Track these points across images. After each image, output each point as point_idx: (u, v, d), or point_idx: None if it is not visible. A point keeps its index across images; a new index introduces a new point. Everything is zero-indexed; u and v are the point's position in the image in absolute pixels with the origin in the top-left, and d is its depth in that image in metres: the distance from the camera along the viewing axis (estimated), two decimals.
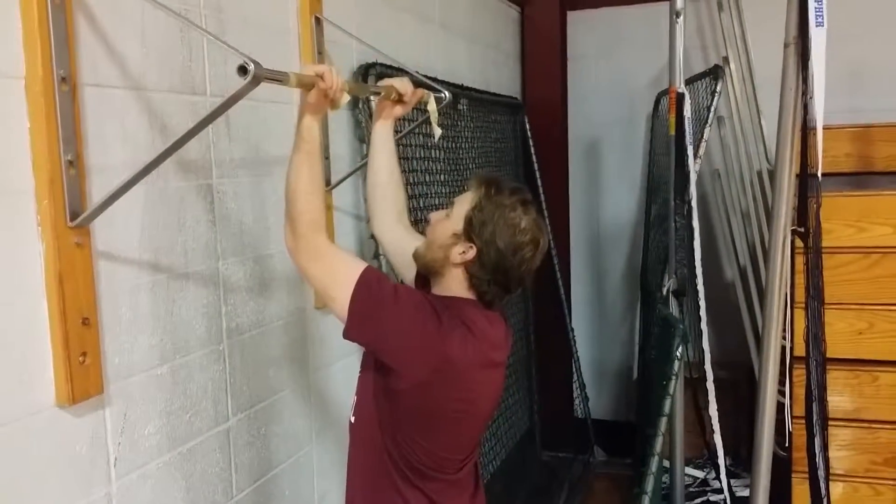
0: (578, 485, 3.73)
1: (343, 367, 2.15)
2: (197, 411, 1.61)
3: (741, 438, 3.50)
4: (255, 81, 1.17)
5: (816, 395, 2.25)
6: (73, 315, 1.27)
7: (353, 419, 1.52)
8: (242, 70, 1.16)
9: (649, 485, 2.59)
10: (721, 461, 2.80)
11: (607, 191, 4.14)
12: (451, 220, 1.47)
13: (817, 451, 2.31)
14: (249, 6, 1.76)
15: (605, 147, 4.12)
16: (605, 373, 4.21)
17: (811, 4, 1.85)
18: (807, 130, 1.99)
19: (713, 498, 3.38)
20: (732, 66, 3.22)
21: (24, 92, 1.21)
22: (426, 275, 1.54)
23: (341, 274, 1.37)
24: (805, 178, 2.03)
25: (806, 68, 1.92)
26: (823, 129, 3.15)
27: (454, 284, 1.47)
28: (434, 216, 1.54)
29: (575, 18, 4.04)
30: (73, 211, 1.27)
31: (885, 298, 2.77)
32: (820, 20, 1.87)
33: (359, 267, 1.38)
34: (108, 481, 1.38)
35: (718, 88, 2.87)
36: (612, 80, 3.99)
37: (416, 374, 1.37)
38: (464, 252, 1.44)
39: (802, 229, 2.03)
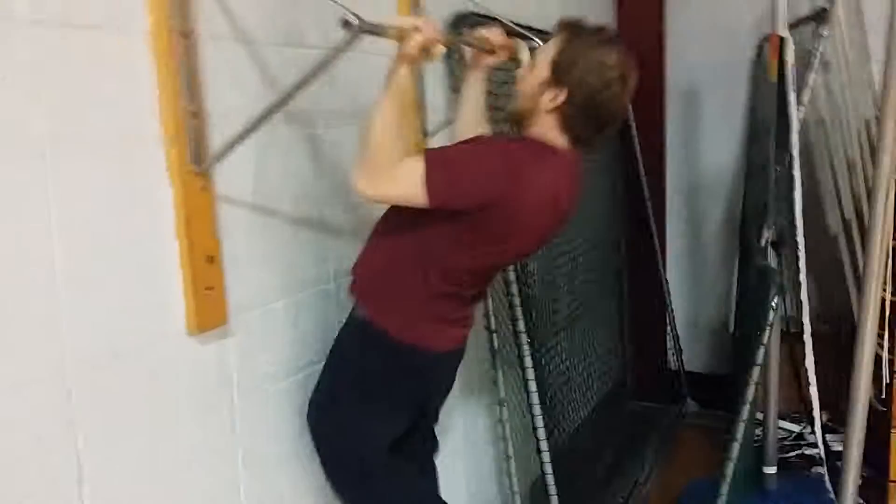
0: (669, 435, 3.74)
1: None
2: (307, 344, 1.74)
3: (841, 394, 3.42)
4: (357, 34, 1.23)
5: None
6: (199, 253, 1.41)
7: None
8: (346, 23, 1.23)
9: (739, 432, 2.60)
10: (816, 413, 2.77)
11: (706, 138, 4.04)
12: (536, 69, 1.53)
13: None
14: None
15: (704, 92, 4.01)
16: (701, 325, 4.16)
17: None
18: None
19: (808, 452, 3.34)
20: (840, 8, 3.06)
21: (149, 46, 1.33)
22: (519, 122, 1.60)
23: (413, 173, 1.43)
24: None
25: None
26: None
27: (548, 131, 1.54)
28: (518, 72, 1.60)
29: None
30: (196, 158, 1.39)
31: None
32: None
33: (419, 159, 1.44)
34: (231, 403, 1.53)
35: (824, 33, 2.74)
36: (713, 21, 3.85)
37: (497, 198, 1.46)
38: (554, 97, 1.50)
39: None
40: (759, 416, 3.12)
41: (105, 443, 1.27)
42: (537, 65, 1.53)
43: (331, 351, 1.71)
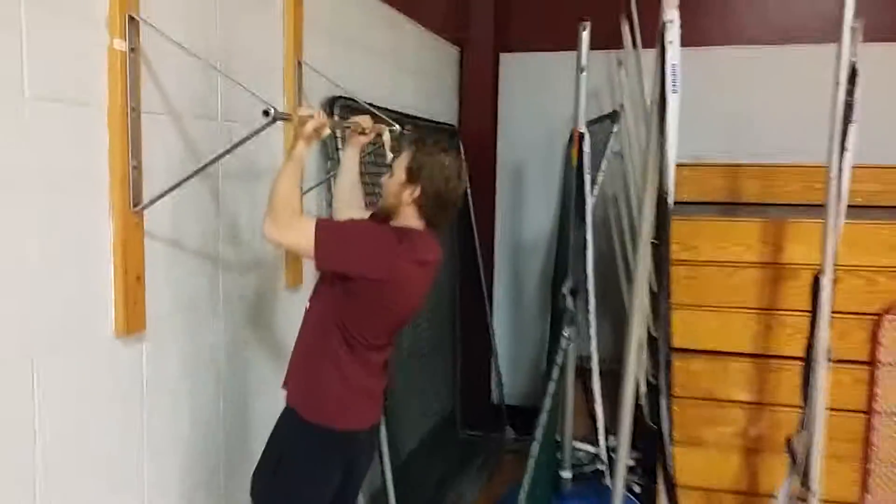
0: (490, 459, 4.34)
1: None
2: (199, 354, 2.16)
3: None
4: (274, 120, 1.74)
5: (664, 368, 2.92)
6: (130, 273, 1.82)
7: (307, 305, 2.10)
8: (265, 112, 1.73)
9: (535, 448, 3.22)
10: (600, 426, 3.45)
11: (528, 208, 4.79)
12: (395, 176, 2.06)
13: (663, 418, 2.99)
14: (251, 52, 2.33)
15: (528, 170, 4.78)
16: (520, 364, 4.84)
17: (668, 76, 2.52)
18: (663, 174, 2.64)
19: (601, 467, 4.03)
20: (628, 110, 3.90)
21: (106, 117, 1.76)
22: (385, 218, 2.11)
23: (306, 230, 1.91)
24: (661, 204, 2.68)
25: (664, 122, 2.58)
26: (701, 164, 3.91)
27: (409, 219, 2.06)
28: (384, 180, 2.13)
29: (506, 60, 4.71)
30: (135, 200, 1.82)
31: (736, 302, 3.48)
32: (675, 87, 2.53)
33: (313, 220, 1.94)
34: (141, 393, 1.93)
35: (615, 129, 3.54)
36: (535, 114, 4.65)
37: (374, 272, 1.94)
38: (411, 192, 2.04)
39: (657, 241, 2.69)
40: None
41: (46, 412, 1.65)
42: (395, 172, 2.06)
43: (272, 434, 2.12)
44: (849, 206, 3.54)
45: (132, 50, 1.79)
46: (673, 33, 2.46)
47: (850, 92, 2.68)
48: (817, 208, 3.05)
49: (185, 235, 2.06)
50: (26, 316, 1.58)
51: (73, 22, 1.65)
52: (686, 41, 4.30)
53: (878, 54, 4.14)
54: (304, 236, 1.90)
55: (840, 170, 2.74)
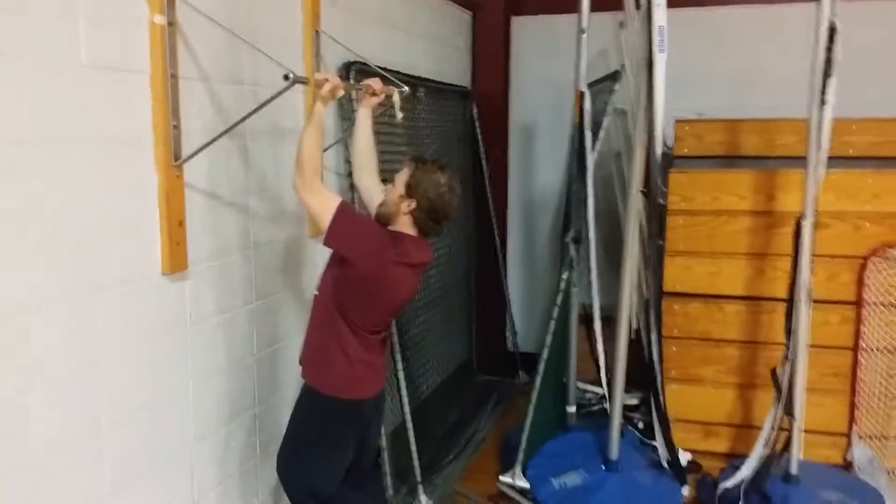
0: (503, 400, 4.65)
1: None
2: (234, 291, 2.46)
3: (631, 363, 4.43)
4: (293, 83, 2.01)
5: (654, 320, 3.17)
6: (173, 218, 2.11)
7: (316, 293, 2.39)
8: (285, 77, 2.00)
9: (537, 383, 3.51)
10: (602, 368, 3.72)
11: (539, 165, 5.02)
12: (396, 188, 2.33)
13: (655, 359, 3.25)
14: (273, 24, 2.58)
15: (538, 129, 5.00)
16: (533, 313, 5.10)
17: (655, 36, 2.73)
18: (651, 129, 2.86)
19: (607, 406, 4.30)
20: (629, 69, 4.07)
21: (149, 82, 2.04)
22: (385, 223, 2.38)
23: (328, 205, 2.21)
24: (650, 157, 2.91)
25: (652, 80, 2.80)
26: (701, 120, 4.10)
27: (405, 226, 2.34)
28: (385, 190, 2.41)
29: (517, 23, 4.91)
30: (175, 155, 2.10)
31: (730, 249, 3.71)
32: (661, 48, 2.75)
33: (338, 200, 2.22)
34: (183, 325, 2.23)
35: (616, 88, 3.75)
36: (546, 75, 4.84)
37: (367, 267, 2.24)
38: (409, 205, 2.31)
39: (645, 189, 2.92)
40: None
41: (108, 340, 1.95)
42: (396, 185, 2.32)
43: (291, 415, 2.44)
44: (842, 157, 3.76)
45: (170, 24, 2.06)
46: None
47: (829, 49, 2.87)
48: (802, 160, 3.25)
49: (218, 187, 2.35)
50: (91, 256, 1.88)
51: (120, 1, 1.92)
52: (690, 1, 4.50)
53: (877, 9, 4.30)
54: (325, 209, 2.20)
55: (820, 121, 2.94)
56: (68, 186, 1.81)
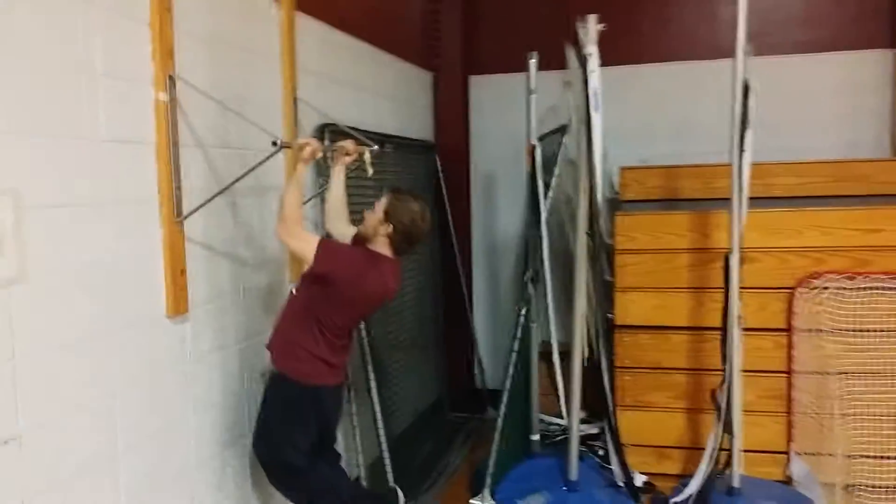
0: (473, 435, 4.92)
1: None
2: (226, 332, 2.75)
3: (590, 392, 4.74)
4: (280, 148, 2.34)
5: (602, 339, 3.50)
6: (176, 267, 2.41)
7: (294, 291, 2.74)
8: (274, 143, 2.33)
9: (501, 413, 3.81)
10: (563, 400, 4.03)
11: (500, 211, 5.40)
12: (375, 213, 2.69)
13: (606, 387, 3.59)
14: (256, 93, 2.93)
15: (498, 178, 5.39)
16: (499, 351, 5.38)
17: (591, 98, 3.12)
18: (592, 178, 3.23)
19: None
20: (574, 124, 4.48)
21: (154, 151, 2.36)
22: (363, 241, 2.74)
23: (311, 241, 2.56)
24: (593, 202, 3.28)
25: (590, 135, 3.18)
26: (643, 168, 4.50)
27: (381, 247, 2.70)
28: (366, 214, 2.77)
29: (475, 81, 5.34)
30: (177, 212, 2.41)
31: (673, 284, 4.08)
32: (597, 107, 3.14)
33: (317, 237, 2.59)
34: (185, 362, 2.51)
35: (564, 140, 4.15)
36: (503, 128, 5.24)
37: (348, 277, 2.59)
38: (386, 228, 2.67)
39: (590, 232, 3.29)
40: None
41: (121, 375, 2.23)
42: (376, 211, 2.69)
43: (262, 399, 2.78)
44: (768, 198, 4.18)
45: (171, 100, 2.39)
46: (593, 64, 3.07)
47: (744, 104, 3.30)
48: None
49: (213, 240, 2.66)
50: (108, 301, 2.17)
51: (129, 82, 2.25)
52: (631, 59, 4.97)
53: (800, 64, 4.82)
54: (309, 245, 2.57)
55: (740, 167, 3.36)
56: (91, 243, 2.11)
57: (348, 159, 2.86)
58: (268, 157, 2.45)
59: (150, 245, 2.35)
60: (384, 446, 3.70)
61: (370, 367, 3.65)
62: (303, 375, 2.69)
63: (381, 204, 2.71)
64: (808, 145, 4.79)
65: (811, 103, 4.89)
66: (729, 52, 3.39)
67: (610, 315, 4.23)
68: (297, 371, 2.69)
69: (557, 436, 4.64)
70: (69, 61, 2.04)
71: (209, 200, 2.47)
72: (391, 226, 2.67)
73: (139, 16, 2.30)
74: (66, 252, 2.03)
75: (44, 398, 1.95)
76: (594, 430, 4.46)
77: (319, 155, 2.61)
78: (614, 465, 3.71)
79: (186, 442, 2.53)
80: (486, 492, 3.69)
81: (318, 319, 2.65)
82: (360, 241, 2.77)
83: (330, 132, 3.40)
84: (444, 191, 5.07)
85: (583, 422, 4.53)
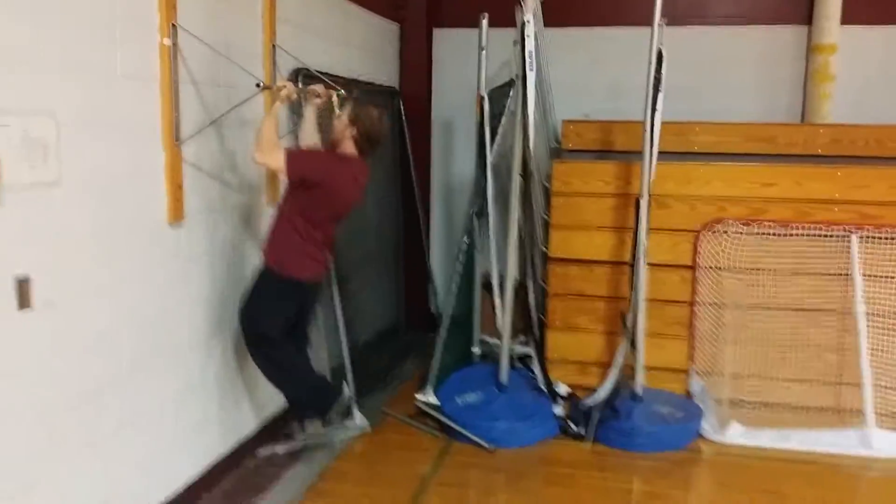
0: (426, 351, 5.55)
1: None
2: (216, 241, 3.31)
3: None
4: (261, 90, 2.87)
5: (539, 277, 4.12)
6: (174, 182, 2.96)
7: (280, 202, 3.32)
8: (257, 85, 2.87)
9: (443, 330, 4.44)
10: (505, 322, 4.66)
11: (457, 154, 5.97)
12: (341, 119, 3.24)
13: (532, 307, 4.22)
14: (241, 40, 3.43)
15: (456, 125, 5.94)
16: (452, 278, 6.01)
17: (526, 57, 3.67)
18: (527, 127, 3.79)
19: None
20: (519, 80, 5.00)
21: (159, 85, 2.88)
22: (333, 147, 3.30)
23: (280, 154, 3.10)
24: (526, 148, 3.85)
25: (525, 91, 3.74)
26: (582, 121, 5.05)
27: (348, 149, 3.26)
28: (334, 121, 3.31)
29: (439, 34, 5.85)
30: (177, 137, 2.95)
31: (598, 223, 4.70)
32: (531, 67, 3.69)
33: (284, 149, 3.13)
34: (180, 261, 3.08)
35: (510, 93, 4.69)
36: (462, 79, 5.70)
37: (320, 175, 3.15)
38: (351, 131, 3.22)
39: (523, 174, 3.87)
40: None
41: (128, 276, 2.80)
42: (341, 117, 3.23)
43: (251, 283, 3.37)
44: (688, 153, 4.81)
45: (174, 44, 2.91)
46: (529, 29, 3.62)
47: (658, 70, 3.87)
48: (661, 154, 4.26)
49: (204, 162, 3.20)
50: (122, 207, 2.72)
51: (140, 28, 2.76)
52: (580, 22, 5.49)
53: (725, 35, 5.40)
54: (279, 159, 3.11)
55: (652, 125, 3.95)
56: (109, 158, 2.65)
57: (319, 101, 3.40)
58: (251, 96, 2.98)
59: (155, 163, 2.90)
60: (345, 352, 4.31)
61: (334, 284, 4.23)
62: (288, 269, 3.28)
63: (345, 112, 3.25)
64: (730, 108, 5.41)
65: (734, 71, 5.50)
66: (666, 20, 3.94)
67: (545, 249, 4.88)
68: (282, 265, 3.28)
69: (498, 354, 5.31)
70: (96, 11, 2.55)
71: (200, 131, 3.01)
72: (355, 128, 3.21)
73: None
74: (89, 164, 2.56)
75: (73, 276, 2.51)
76: (530, 351, 5.13)
77: (294, 97, 3.15)
78: (537, 372, 4.38)
79: (180, 327, 3.12)
80: (429, 388, 4.35)
81: (302, 217, 3.22)
82: (330, 147, 3.30)
83: (303, 76, 3.92)
84: (407, 134, 5.62)
85: (522, 344, 5.21)
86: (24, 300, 2.29)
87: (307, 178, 3.14)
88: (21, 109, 2.26)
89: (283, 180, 3.23)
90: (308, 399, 3.57)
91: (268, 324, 3.34)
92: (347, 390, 3.81)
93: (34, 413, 2.38)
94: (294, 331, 3.50)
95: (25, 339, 2.33)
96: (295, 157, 3.13)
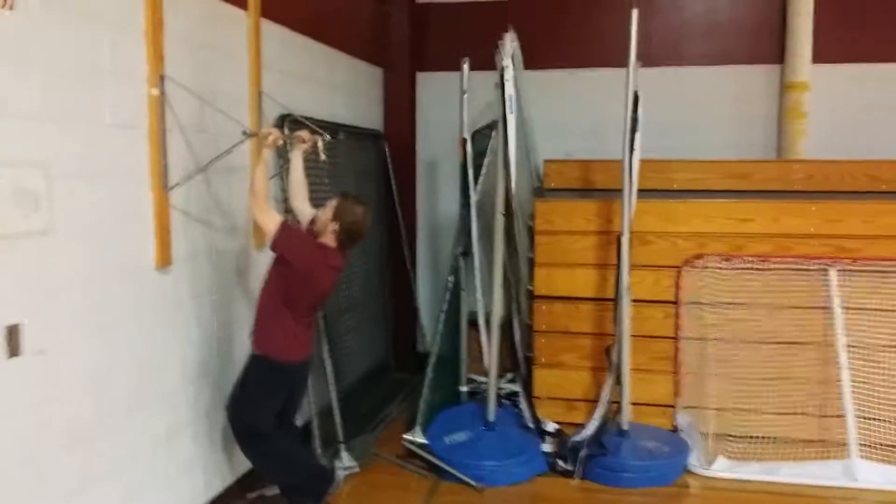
0: (414, 391, 5.56)
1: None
2: (203, 285, 3.35)
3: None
4: (249, 137, 2.94)
5: (524, 314, 4.18)
6: (163, 227, 3.01)
7: (262, 284, 3.34)
8: (244, 132, 2.94)
9: (429, 371, 4.48)
10: (487, 363, 4.70)
11: (442, 194, 6.05)
12: (326, 213, 3.27)
13: (517, 343, 4.26)
14: (227, 88, 3.51)
15: (440, 165, 6.03)
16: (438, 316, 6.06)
17: (507, 100, 3.77)
18: (509, 167, 3.89)
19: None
20: (500, 122, 5.11)
21: (147, 133, 2.94)
22: (315, 236, 3.33)
23: (274, 220, 3.16)
24: (508, 189, 3.93)
25: (506, 133, 3.83)
26: (564, 161, 5.15)
27: (329, 239, 3.29)
28: (319, 212, 3.35)
29: (421, 77, 5.98)
30: (165, 184, 3.00)
31: (581, 261, 4.78)
32: (511, 109, 3.79)
33: (280, 218, 3.19)
34: (171, 304, 3.11)
35: (492, 135, 4.80)
36: (445, 120, 5.80)
37: (301, 264, 3.19)
38: (334, 227, 3.26)
39: (506, 213, 3.95)
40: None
41: (119, 316, 2.83)
42: (326, 211, 3.26)
43: (240, 374, 3.39)
44: (667, 190, 4.91)
45: (161, 94, 2.98)
46: (508, 74, 3.73)
47: (634, 111, 3.99)
48: (642, 192, 4.36)
49: (192, 207, 3.25)
50: (112, 252, 2.76)
51: (129, 79, 2.84)
52: (559, 64, 5.62)
53: (702, 74, 5.55)
54: (271, 224, 3.17)
55: (630, 164, 4.05)
56: (99, 205, 2.70)
57: (304, 146, 3.47)
58: (238, 143, 3.05)
59: (143, 209, 2.95)
60: (333, 396, 4.32)
61: (322, 332, 4.25)
62: (276, 352, 3.29)
63: (331, 204, 3.30)
64: (708, 144, 5.55)
65: (712, 109, 5.65)
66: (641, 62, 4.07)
67: (530, 287, 4.94)
68: (271, 349, 3.29)
69: (482, 393, 5.33)
70: (84, 64, 2.62)
71: (189, 178, 3.07)
72: (338, 224, 3.27)
73: (136, 27, 2.88)
74: (80, 212, 2.61)
75: (65, 322, 2.54)
76: (516, 388, 5.15)
77: (280, 142, 3.22)
78: (525, 410, 4.41)
79: (169, 369, 3.14)
80: (417, 428, 4.36)
81: (286, 300, 3.25)
82: (314, 234, 3.34)
83: (290, 122, 4.00)
84: (392, 175, 5.70)
85: (509, 381, 5.24)
86: (13, 348, 2.31)
87: (287, 261, 3.20)
88: (12, 160, 2.31)
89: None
90: (304, 487, 3.55)
91: (258, 416, 3.34)
92: (340, 473, 3.80)
93: (24, 457, 2.39)
94: (282, 414, 3.48)
95: (15, 385, 2.35)
96: (284, 235, 3.17)
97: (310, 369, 3.61)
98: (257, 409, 3.33)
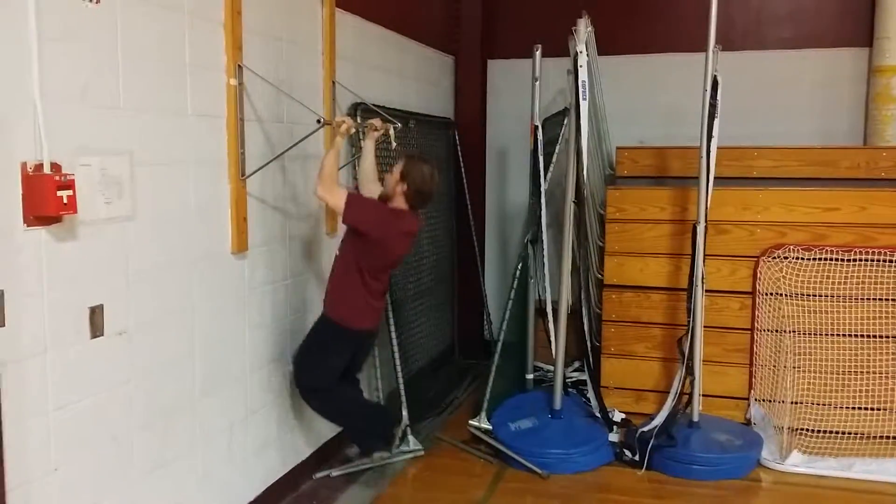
0: (479, 377, 5.59)
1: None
2: (276, 270, 3.44)
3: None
4: (322, 126, 3.00)
5: (593, 303, 4.14)
6: (240, 215, 3.10)
7: (337, 253, 3.42)
8: (318, 121, 2.99)
9: (496, 355, 4.48)
10: (554, 350, 4.68)
11: (511, 182, 6.03)
12: (393, 175, 3.33)
13: (586, 332, 4.21)
14: (302, 78, 3.58)
15: (510, 153, 6.01)
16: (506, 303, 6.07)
17: (579, 87, 3.72)
18: (580, 155, 3.84)
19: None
20: (573, 109, 5.04)
21: (225, 122, 3.03)
22: (385, 201, 3.39)
23: (342, 196, 3.22)
24: (579, 175, 3.90)
25: (578, 120, 3.79)
26: (637, 148, 5.08)
27: (399, 202, 3.34)
28: (386, 177, 3.42)
29: (492, 65, 5.95)
30: (242, 172, 3.09)
31: (654, 250, 4.70)
32: (584, 96, 3.74)
33: (346, 192, 3.24)
34: (243, 289, 3.21)
35: (564, 122, 4.75)
36: (516, 108, 5.80)
37: (374, 231, 3.25)
38: (402, 187, 3.31)
39: (576, 200, 3.91)
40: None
41: (197, 300, 2.93)
42: (394, 173, 3.32)
43: (307, 333, 3.51)
44: (746, 178, 4.76)
45: (239, 84, 3.06)
46: (582, 59, 3.67)
47: (713, 96, 3.87)
48: (719, 179, 4.24)
49: (267, 195, 3.34)
50: (190, 239, 2.87)
51: (208, 70, 2.93)
52: (634, 49, 5.53)
53: (785, 59, 5.36)
54: (339, 200, 3.22)
55: (708, 151, 3.94)
56: (179, 192, 2.80)
57: (376, 134, 3.52)
58: (313, 132, 3.12)
59: (221, 197, 3.04)
60: (400, 380, 4.38)
61: (391, 313, 4.32)
62: (347, 319, 3.38)
63: (398, 167, 3.35)
64: (789, 131, 5.35)
65: (795, 94, 5.44)
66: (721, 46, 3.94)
67: (600, 275, 4.88)
68: (341, 314, 3.39)
69: (551, 380, 5.31)
70: (166, 55, 2.71)
71: (265, 165, 3.15)
72: (406, 185, 3.30)
73: (215, 18, 2.97)
74: (161, 199, 2.71)
75: (145, 305, 2.66)
76: (584, 377, 5.11)
77: (353, 130, 3.27)
78: (592, 399, 4.37)
79: (243, 351, 3.24)
80: (483, 415, 4.38)
81: (360, 267, 3.33)
82: (383, 201, 3.41)
83: (362, 110, 4.05)
84: (462, 163, 5.71)
85: (575, 370, 5.21)
86: (96, 328, 2.43)
87: (359, 230, 3.26)
88: (100, 149, 2.42)
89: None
90: (370, 430, 3.66)
91: (320, 376, 3.46)
92: (405, 414, 3.88)
93: (107, 434, 2.51)
94: (345, 374, 3.58)
95: (98, 364, 2.47)
96: (353, 204, 3.22)
97: (376, 337, 3.71)
98: (319, 368, 3.46)
